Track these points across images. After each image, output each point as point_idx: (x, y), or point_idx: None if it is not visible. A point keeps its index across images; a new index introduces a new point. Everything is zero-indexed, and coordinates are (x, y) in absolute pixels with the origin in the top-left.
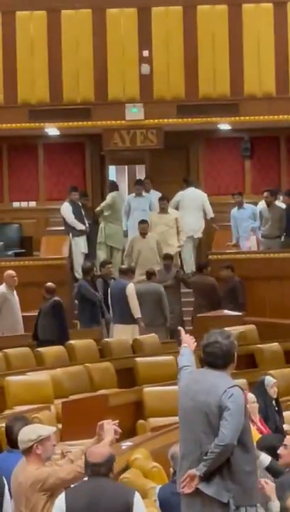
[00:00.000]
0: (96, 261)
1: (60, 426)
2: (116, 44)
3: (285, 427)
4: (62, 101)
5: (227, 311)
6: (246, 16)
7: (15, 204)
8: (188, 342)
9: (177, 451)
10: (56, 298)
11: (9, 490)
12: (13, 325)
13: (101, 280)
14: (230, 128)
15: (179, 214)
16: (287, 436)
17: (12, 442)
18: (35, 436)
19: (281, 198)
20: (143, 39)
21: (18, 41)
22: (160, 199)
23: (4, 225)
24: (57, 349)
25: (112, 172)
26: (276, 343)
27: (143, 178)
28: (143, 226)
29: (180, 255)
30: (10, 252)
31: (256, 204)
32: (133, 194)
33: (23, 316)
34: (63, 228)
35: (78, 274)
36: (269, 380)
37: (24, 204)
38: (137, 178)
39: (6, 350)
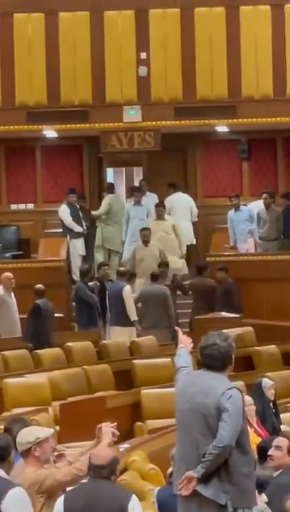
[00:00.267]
0: (94, 263)
1: (57, 428)
2: (113, 46)
3: (282, 427)
4: (60, 103)
5: (224, 313)
6: (244, 18)
7: (13, 206)
8: (185, 343)
9: None
10: (36, 301)
11: None
12: (10, 327)
13: (97, 282)
14: (228, 130)
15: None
16: (279, 438)
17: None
18: (33, 439)
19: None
20: (140, 41)
21: (16, 43)
22: (157, 205)
23: (2, 227)
24: (55, 351)
25: (110, 174)
26: (274, 345)
27: (139, 180)
28: (145, 233)
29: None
30: (8, 254)
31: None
32: (132, 202)
33: (20, 318)
34: (61, 230)
35: (76, 276)
36: (266, 382)
37: (22, 206)
38: (135, 180)
39: (3, 353)
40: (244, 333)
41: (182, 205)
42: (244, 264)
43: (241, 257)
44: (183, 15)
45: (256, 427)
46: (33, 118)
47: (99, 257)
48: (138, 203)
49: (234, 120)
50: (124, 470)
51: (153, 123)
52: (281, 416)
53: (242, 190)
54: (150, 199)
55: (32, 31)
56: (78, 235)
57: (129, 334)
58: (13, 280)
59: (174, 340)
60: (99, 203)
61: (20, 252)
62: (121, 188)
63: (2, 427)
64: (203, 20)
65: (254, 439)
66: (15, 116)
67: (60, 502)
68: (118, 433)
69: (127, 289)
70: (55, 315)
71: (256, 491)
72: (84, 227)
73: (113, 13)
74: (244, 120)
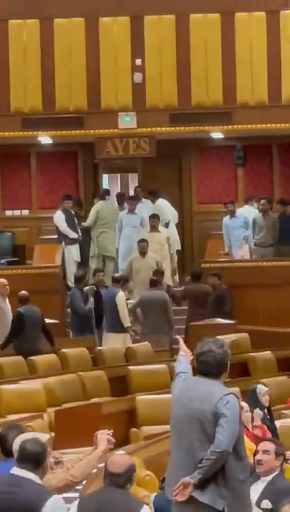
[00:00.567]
0: (88, 269)
1: (52, 434)
2: (108, 52)
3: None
4: (55, 109)
5: (219, 320)
6: (239, 25)
7: (8, 212)
8: (186, 350)
9: None
10: (19, 308)
11: None
12: (4, 333)
13: (93, 287)
14: (223, 136)
15: (169, 232)
16: (265, 442)
17: (7, 451)
18: None
19: (255, 204)
20: (135, 47)
21: (11, 49)
22: (151, 217)
23: None
24: (49, 357)
25: (105, 180)
26: (269, 352)
27: (135, 187)
28: (143, 245)
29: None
30: (2, 261)
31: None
32: (126, 210)
33: None
34: (56, 237)
35: (71, 282)
36: (260, 388)
37: (17, 212)
38: (130, 186)
39: None
40: (240, 340)
41: (170, 210)
42: (239, 271)
43: (236, 263)
44: (178, 21)
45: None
46: (28, 124)
47: (94, 263)
48: (132, 211)
49: (230, 126)
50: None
51: (148, 129)
52: (276, 422)
53: (237, 197)
54: (145, 206)
55: (27, 37)
56: (73, 241)
57: (123, 340)
58: (7, 287)
59: (172, 347)
60: None
61: (15, 259)
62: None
63: None
64: (198, 27)
65: (249, 446)
66: (10, 122)
67: (73, 507)
68: (114, 440)
69: (120, 295)
70: (50, 321)
71: None
72: (79, 233)
73: (108, 19)
74: (240, 126)
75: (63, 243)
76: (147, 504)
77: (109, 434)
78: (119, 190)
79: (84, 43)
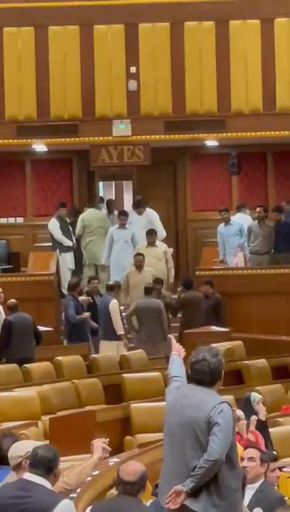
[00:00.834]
0: (82, 276)
1: (47, 442)
2: (103, 60)
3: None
4: (50, 117)
5: (214, 328)
6: (234, 33)
7: (3, 220)
8: (178, 349)
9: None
10: (8, 316)
11: None
12: None
13: (90, 298)
14: (217, 144)
15: (166, 247)
16: (249, 449)
17: (1, 458)
18: (23, 453)
19: (247, 211)
20: (130, 55)
21: (6, 57)
22: (148, 233)
23: None
24: (44, 365)
25: (100, 188)
26: (263, 359)
27: (137, 196)
28: (139, 259)
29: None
30: None
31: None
32: (116, 225)
33: None
34: (51, 244)
35: (65, 290)
36: (254, 396)
37: (11, 220)
38: (124, 193)
39: None
40: (234, 347)
41: (153, 221)
42: (233, 278)
43: (230, 271)
44: (173, 29)
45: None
46: (22, 132)
47: (87, 272)
48: (122, 226)
49: (224, 134)
50: (114, 484)
51: (143, 137)
52: (270, 430)
53: (232, 204)
54: (149, 214)
55: (22, 45)
56: (68, 248)
57: (116, 348)
58: (1, 294)
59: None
60: None
61: (9, 266)
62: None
63: None
64: (193, 35)
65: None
66: (5, 130)
67: None
68: (109, 449)
69: (114, 303)
70: (45, 329)
71: None
72: (74, 241)
73: (103, 27)
74: (234, 134)
75: (58, 251)
76: None
77: (105, 443)
78: (114, 198)
79: (79, 50)
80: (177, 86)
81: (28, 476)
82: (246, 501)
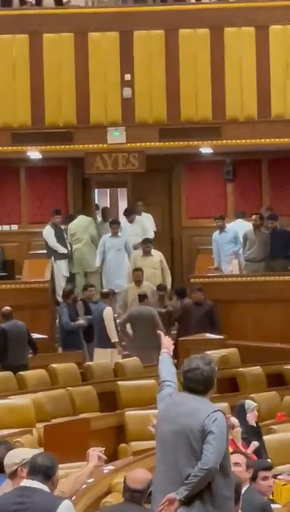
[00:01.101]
0: (76, 284)
1: (42, 450)
2: (98, 68)
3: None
4: (44, 124)
5: (208, 335)
6: (228, 40)
7: None
8: (168, 346)
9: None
10: (2, 324)
11: None
12: None
13: (81, 303)
14: (212, 151)
15: (162, 255)
16: (235, 455)
17: None
18: (19, 460)
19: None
20: (125, 63)
21: (0, 64)
22: (143, 242)
23: None
24: (39, 373)
25: (96, 195)
26: (258, 367)
27: (137, 202)
28: (138, 274)
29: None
30: None
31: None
32: (109, 234)
33: None
34: (45, 251)
35: (60, 297)
36: (249, 403)
37: (6, 227)
38: (119, 200)
39: None
40: (229, 355)
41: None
42: (228, 286)
43: (225, 279)
44: (167, 36)
45: (242, 449)
46: (17, 139)
47: (79, 279)
48: (115, 234)
49: (219, 142)
50: (108, 492)
51: (138, 144)
52: (264, 438)
53: (227, 212)
54: (145, 220)
55: (16, 53)
56: (62, 256)
57: (111, 355)
58: None
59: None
60: None
61: (4, 274)
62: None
63: None
64: (187, 42)
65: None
66: None
67: None
68: (105, 457)
69: (108, 310)
70: (39, 336)
71: None
72: (69, 248)
73: (97, 34)
74: (229, 141)
75: (52, 258)
76: None
77: (101, 451)
78: (109, 205)
79: (74, 58)
80: (172, 93)
81: (27, 482)
82: None
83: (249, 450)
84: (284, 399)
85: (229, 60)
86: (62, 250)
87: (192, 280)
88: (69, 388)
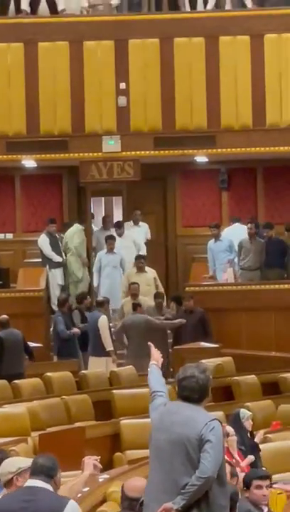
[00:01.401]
0: (70, 293)
1: None
2: (93, 76)
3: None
4: (39, 133)
5: (203, 343)
6: (223, 49)
7: None
8: (157, 358)
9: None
10: None
11: None
12: None
13: (78, 312)
14: (207, 160)
15: (155, 272)
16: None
17: None
18: (14, 469)
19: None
20: (120, 71)
21: None
22: (137, 258)
23: None
24: (34, 381)
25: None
26: (253, 375)
27: (135, 211)
28: (135, 287)
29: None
30: None
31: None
32: (105, 250)
33: None
34: (40, 260)
35: (55, 306)
36: (244, 412)
37: (1, 236)
38: (115, 209)
39: None
40: (224, 363)
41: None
42: (223, 294)
43: (220, 287)
44: (163, 45)
45: (237, 457)
46: (12, 148)
47: (72, 289)
48: (110, 250)
49: (214, 150)
50: (103, 501)
51: (133, 153)
52: (260, 446)
53: (222, 220)
54: (143, 229)
55: (11, 61)
56: (57, 264)
57: (105, 364)
58: None
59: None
60: None
61: None
62: (100, 219)
63: None
64: (182, 51)
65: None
66: None
67: None
68: (100, 466)
69: (102, 319)
70: (34, 345)
71: None
72: (64, 257)
73: (92, 43)
74: (224, 150)
75: (47, 267)
76: None
77: (96, 460)
78: (103, 214)
79: (69, 66)
80: (167, 102)
81: (31, 482)
82: None
83: (244, 464)
84: (279, 407)
85: (224, 69)
86: (57, 259)
87: (187, 289)
88: (64, 397)
